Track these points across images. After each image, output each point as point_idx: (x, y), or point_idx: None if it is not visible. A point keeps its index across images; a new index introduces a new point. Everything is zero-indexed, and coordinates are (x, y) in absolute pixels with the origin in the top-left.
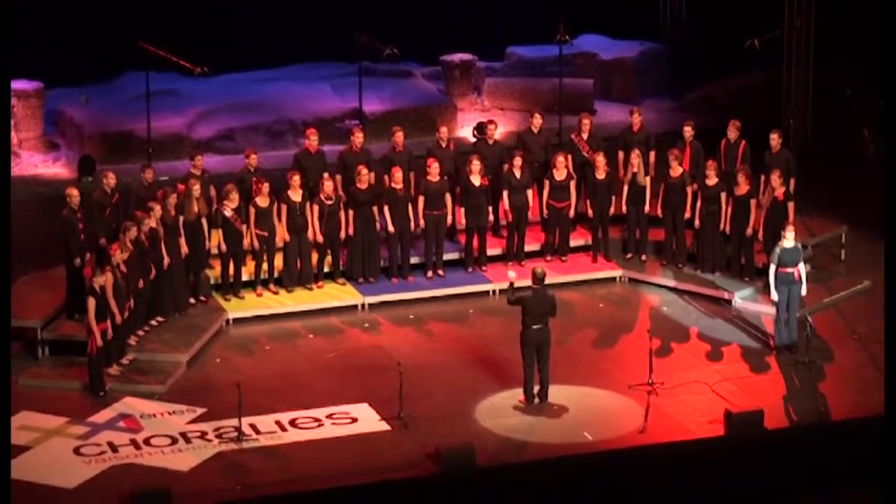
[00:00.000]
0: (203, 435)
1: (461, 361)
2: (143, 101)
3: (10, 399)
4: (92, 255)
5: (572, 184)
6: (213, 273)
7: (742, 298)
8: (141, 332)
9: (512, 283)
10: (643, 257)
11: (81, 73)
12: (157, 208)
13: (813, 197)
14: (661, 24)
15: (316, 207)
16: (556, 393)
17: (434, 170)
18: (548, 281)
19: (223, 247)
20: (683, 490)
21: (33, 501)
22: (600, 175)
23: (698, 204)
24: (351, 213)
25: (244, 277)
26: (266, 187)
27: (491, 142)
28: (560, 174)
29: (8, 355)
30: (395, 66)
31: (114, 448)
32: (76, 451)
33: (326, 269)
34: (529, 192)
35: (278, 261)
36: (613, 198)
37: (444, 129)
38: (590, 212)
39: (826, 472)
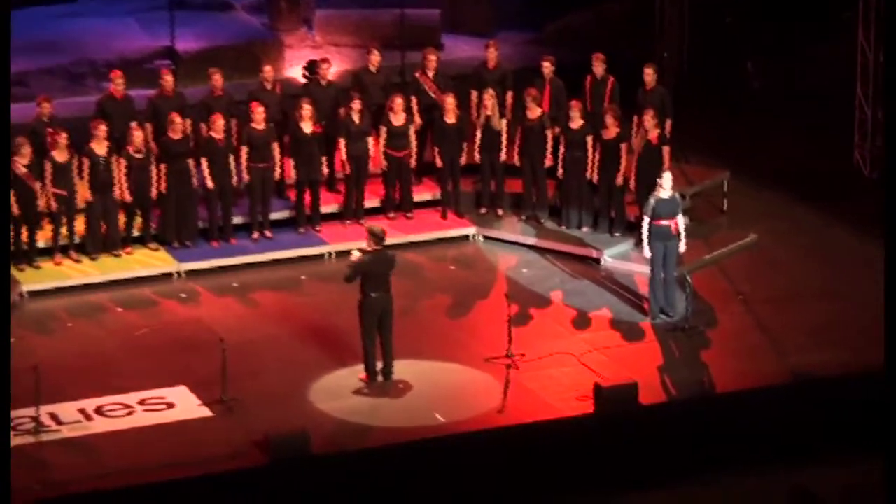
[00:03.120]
0: None
1: (293, 335)
2: None
3: (9, 399)
4: None
5: (412, 129)
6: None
7: (612, 257)
8: None
9: (351, 262)
10: (499, 212)
11: None
12: None
13: (691, 140)
14: None
15: (123, 161)
16: (403, 369)
17: (258, 116)
18: (390, 241)
19: (14, 209)
20: (548, 475)
21: None
22: (449, 119)
23: (561, 150)
24: (163, 167)
25: (40, 244)
26: (64, 139)
27: (324, 83)
28: (398, 119)
29: (8, 352)
30: None
31: None
32: None
33: (136, 233)
34: (369, 140)
35: (80, 224)
36: (465, 145)
37: (268, 70)
38: (438, 161)
39: (710, 453)
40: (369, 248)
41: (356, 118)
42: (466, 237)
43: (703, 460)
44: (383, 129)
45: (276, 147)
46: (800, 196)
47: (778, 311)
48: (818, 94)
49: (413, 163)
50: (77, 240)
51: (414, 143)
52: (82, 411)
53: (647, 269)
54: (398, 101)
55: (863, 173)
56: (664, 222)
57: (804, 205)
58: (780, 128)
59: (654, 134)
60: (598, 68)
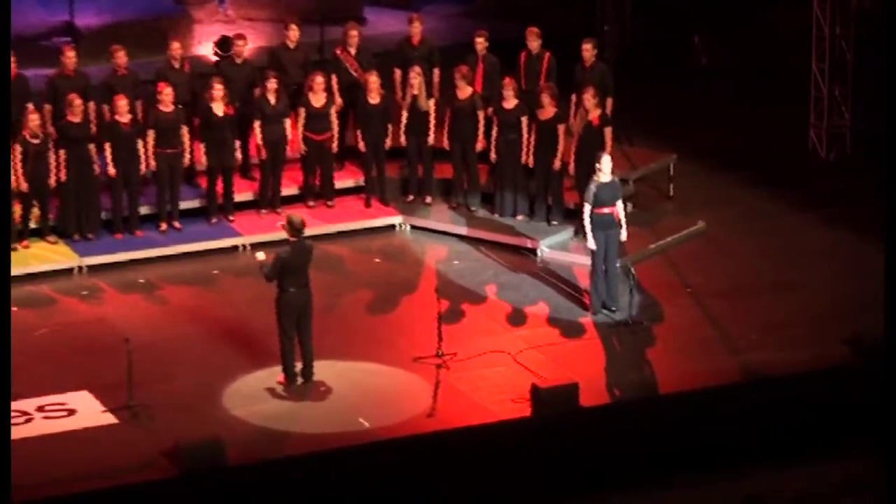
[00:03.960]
0: None
1: (205, 335)
2: None
3: (9, 398)
4: None
5: (334, 110)
6: None
7: (550, 247)
8: None
9: (262, 263)
10: (428, 199)
11: None
12: None
13: (634, 120)
14: None
15: (18, 147)
16: (324, 370)
17: (166, 97)
18: (310, 231)
19: None
20: (482, 483)
21: None
22: (373, 99)
23: (494, 132)
24: (62, 153)
25: None
26: None
27: (237, 61)
28: (318, 99)
29: (8, 351)
30: None
31: None
32: None
33: (33, 225)
34: (287, 123)
35: None
36: (389, 127)
37: (177, 47)
38: (361, 145)
39: (656, 458)
40: (289, 238)
41: (272, 99)
42: (392, 227)
43: (648, 466)
44: (302, 111)
45: (185, 131)
46: (752, 180)
47: (729, 305)
48: (772, 68)
49: (335, 147)
50: None
51: (336, 126)
52: None
53: (587, 261)
54: (318, 81)
55: (819, 155)
56: (606, 209)
57: (756, 189)
58: (731, 106)
59: (594, 114)
60: (533, 43)
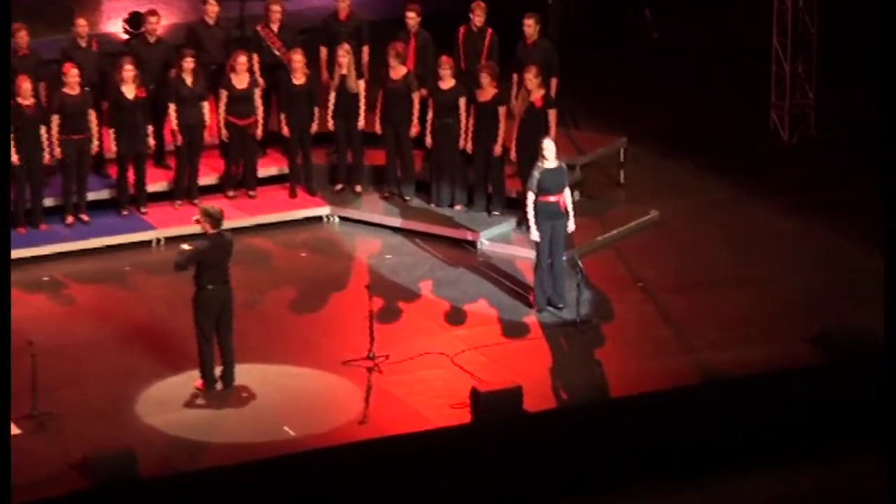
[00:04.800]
0: None
1: (116, 337)
2: None
3: (9, 399)
4: None
5: (257, 93)
6: None
7: (490, 240)
8: None
9: (181, 251)
10: (358, 188)
11: None
12: None
13: (581, 101)
14: None
15: None
16: (246, 374)
17: (72, 79)
18: (230, 224)
19: None
20: (419, 495)
21: None
22: (298, 80)
23: (429, 115)
24: None
25: None
26: None
27: (151, 39)
28: (241, 81)
29: (8, 351)
30: None
31: None
32: None
33: None
34: (205, 106)
35: None
36: (316, 110)
37: (83, 24)
38: (285, 130)
39: (607, 466)
40: (207, 232)
41: (189, 80)
42: (320, 218)
43: (598, 475)
44: (224, 93)
45: (93, 115)
46: (708, 165)
47: (684, 300)
48: (729, 44)
49: (258, 133)
50: None
51: (260, 110)
52: None
53: (531, 254)
54: (241, 61)
55: (781, 137)
56: (551, 198)
57: (714, 175)
58: (685, 85)
59: (537, 95)
60: (479, 18)
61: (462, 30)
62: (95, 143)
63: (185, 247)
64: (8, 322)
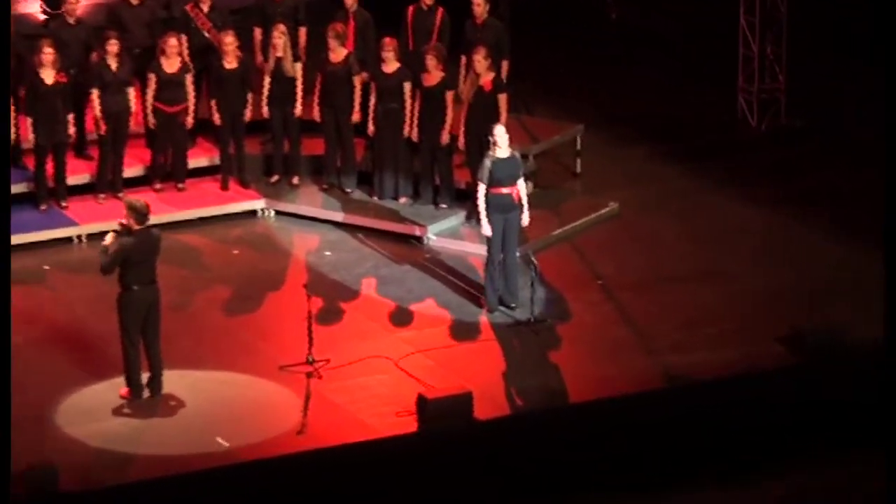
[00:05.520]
0: None
1: (34, 341)
2: None
3: (9, 392)
4: None
5: (189, 78)
6: None
7: (438, 234)
8: None
9: (106, 248)
10: (295, 180)
11: None
12: None
13: (534, 86)
14: None
15: None
16: (175, 381)
17: None
18: (156, 219)
19: None
20: None
21: None
22: (229, 64)
23: (372, 101)
24: None
25: None
26: None
27: (71, 20)
28: (171, 65)
29: (8, 354)
30: None
31: None
32: None
33: None
34: (130, 92)
35: None
36: (250, 96)
37: None
38: (216, 117)
39: (563, 477)
40: (123, 226)
41: (113, 64)
42: (254, 213)
43: (554, 486)
44: (153, 78)
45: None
46: (671, 153)
47: (646, 299)
48: (693, 24)
49: (189, 121)
50: None
51: (192, 96)
52: None
53: (482, 250)
54: (172, 43)
55: (749, 123)
56: (504, 189)
57: (677, 164)
58: (646, 69)
59: (486, 78)
60: None
61: (411, 9)
62: (12, 132)
63: (107, 241)
64: (8, 322)
